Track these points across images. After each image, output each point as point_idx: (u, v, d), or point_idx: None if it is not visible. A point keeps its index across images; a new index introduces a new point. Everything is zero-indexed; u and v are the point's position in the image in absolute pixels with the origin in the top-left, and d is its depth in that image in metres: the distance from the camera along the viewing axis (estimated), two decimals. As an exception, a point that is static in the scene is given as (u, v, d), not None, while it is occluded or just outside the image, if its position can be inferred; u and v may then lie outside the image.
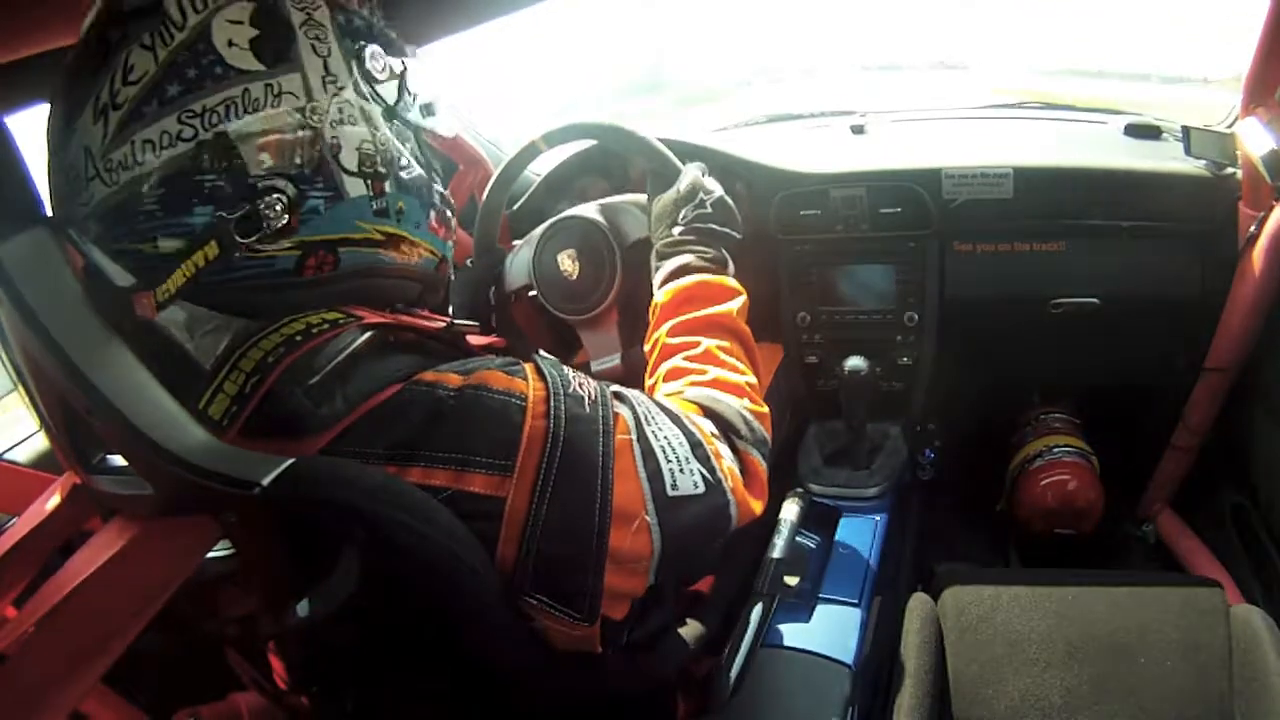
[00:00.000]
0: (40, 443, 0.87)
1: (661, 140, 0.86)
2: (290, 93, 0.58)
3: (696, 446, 0.60)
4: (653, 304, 0.76)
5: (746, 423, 0.66)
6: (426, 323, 0.65)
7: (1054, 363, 1.33)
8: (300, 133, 0.58)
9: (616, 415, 0.58)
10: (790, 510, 0.93)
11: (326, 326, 0.57)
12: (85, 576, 0.52)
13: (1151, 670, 0.80)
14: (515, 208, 1.22)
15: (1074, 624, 0.85)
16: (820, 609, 0.88)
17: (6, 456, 0.85)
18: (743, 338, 0.73)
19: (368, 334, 0.57)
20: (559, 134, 0.91)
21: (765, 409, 0.69)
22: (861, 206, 1.13)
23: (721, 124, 1.55)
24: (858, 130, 1.33)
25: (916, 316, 1.16)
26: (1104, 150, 1.18)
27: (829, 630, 0.84)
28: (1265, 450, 1.05)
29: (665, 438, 0.59)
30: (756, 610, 0.82)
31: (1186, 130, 1.07)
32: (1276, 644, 0.79)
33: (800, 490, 0.98)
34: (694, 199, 0.79)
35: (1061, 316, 1.12)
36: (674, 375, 0.69)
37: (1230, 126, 1.02)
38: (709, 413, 0.65)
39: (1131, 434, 1.28)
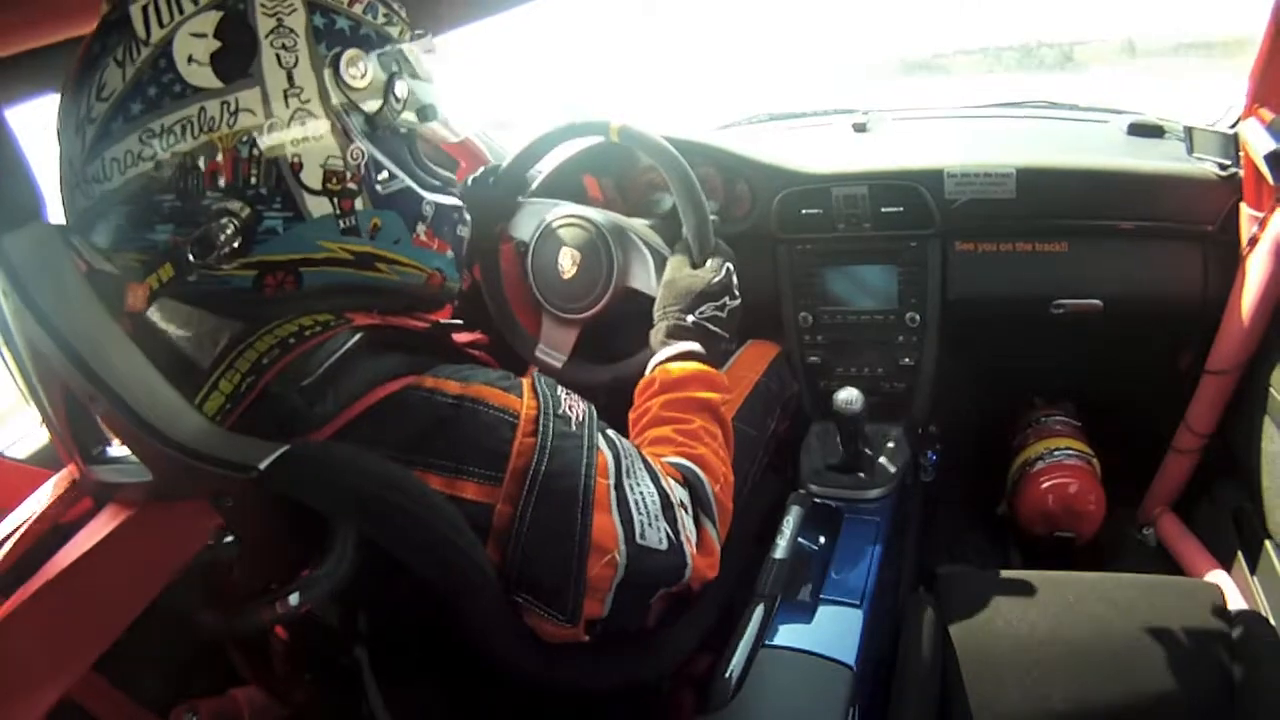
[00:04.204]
0: (39, 440, 0.86)
1: (666, 138, 0.86)
2: (248, 109, 0.57)
3: (667, 508, 0.62)
4: (651, 371, 0.77)
5: (715, 506, 0.68)
6: (413, 323, 0.66)
7: (1056, 364, 1.33)
8: (255, 152, 0.57)
9: (598, 449, 0.60)
10: (793, 512, 0.93)
11: (319, 329, 0.58)
12: (76, 558, 0.52)
13: (1151, 672, 0.79)
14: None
15: (1075, 626, 0.85)
16: (822, 610, 0.88)
17: (6, 453, 0.85)
18: (727, 429, 0.75)
19: (358, 335, 0.58)
20: (635, 138, 0.87)
21: (730, 506, 0.71)
22: (863, 205, 1.13)
23: (725, 122, 1.55)
24: (860, 129, 1.33)
25: (918, 317, 1.16)
26: (1107, 150, 1.17)
27: (830, 631, 0.84)
28: (1267, 453, 1.05)
29: (641, 492, 0.61)
30: (758, 611, 0.82)
31: (1189, 130, 1.07)
32: (1276, 647, 0.79)
33: (802, 492, 0.97)
34: (719, 300, 0.80)
35: (1063, 317, 1.11)
36: (663, 441, 0.71)
37: (1233, 127, 1.02)
38: (687, 484, 0.66)
39: (1133, 436, 1.28)
